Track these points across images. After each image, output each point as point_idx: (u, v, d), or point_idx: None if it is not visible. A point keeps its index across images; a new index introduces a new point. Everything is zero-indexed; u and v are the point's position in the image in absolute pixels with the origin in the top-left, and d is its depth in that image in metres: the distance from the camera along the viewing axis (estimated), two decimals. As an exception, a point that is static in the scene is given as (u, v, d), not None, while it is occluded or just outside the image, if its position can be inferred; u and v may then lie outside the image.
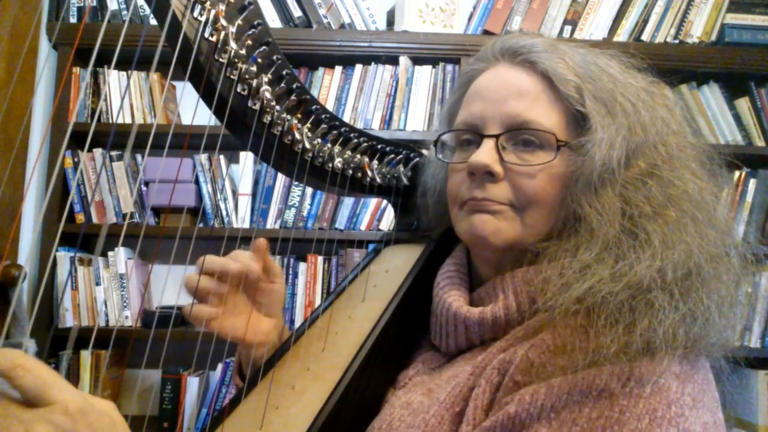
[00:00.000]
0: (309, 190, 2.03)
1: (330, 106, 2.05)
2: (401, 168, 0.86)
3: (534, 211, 0.63)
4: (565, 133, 0.63)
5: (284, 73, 0.68)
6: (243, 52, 0.63)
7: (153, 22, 0.60)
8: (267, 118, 0.67)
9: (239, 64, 0.63)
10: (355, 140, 0.79)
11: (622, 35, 2.09)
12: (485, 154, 0.63)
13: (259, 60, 0.65)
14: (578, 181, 0.60)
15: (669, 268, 0.53)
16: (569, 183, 0.62)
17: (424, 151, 0.90)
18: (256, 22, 0.64)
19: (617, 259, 0.55)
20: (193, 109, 2.13)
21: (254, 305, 0.78)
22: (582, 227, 0.59)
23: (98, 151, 2.06)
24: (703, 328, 0.53)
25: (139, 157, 2.06)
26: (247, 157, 2.02)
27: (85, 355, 1.93)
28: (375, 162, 0.83)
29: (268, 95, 0.66)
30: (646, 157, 0.60)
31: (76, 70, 2.05)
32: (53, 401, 0.41)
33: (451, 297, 0.67)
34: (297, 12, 2.02)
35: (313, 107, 0.73)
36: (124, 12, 2.04)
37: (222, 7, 0.61)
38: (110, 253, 1.98)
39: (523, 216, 0.63)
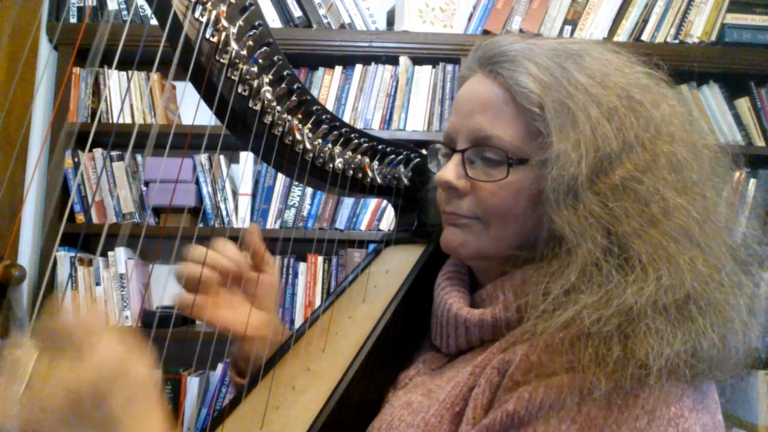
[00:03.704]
0: (309, 190, 2.03)
1: (330, 106, 2.05)
2: (402, 168, 0.86)
3: (499, 224, 0.63)
4: (529, 146, 0.60)
5: (285, 73, 0.68)
6: (244, 52, 0.63)
7: (153, 22, 0.60)
8: (268, 119, 0.67)
9: (240, 65, 0.63)
10: (356, 141, 0.79)
11: (622, 35, 2.09)
12: (449, 170, 0.64)
13: (260, 61, 0.65)
14: (547, 197, 0.58)
15: (661, 293, 0.50)
16: (539, 198, 0.59)
17: (425, 152, 0.90)
18: (257, 23, 0.64)
19: (601, 284, 0.52)
20: (193, 110, 2.13)
21: (246, 298, 0.78)
22: (562, 247, 0.56)
23: (98, 152, 2.06)
24: (706, 362, 0.50)
25: (139, 157, 2.06)
26: (247, 158, 2.02)
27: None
28: (375, 162, 0.83)
29: (268, 96, 0.66)
30: (623, 169, 0.56)
31: (77, 70, 2.05)
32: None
33: (452, 298, 0.67)
34: (297, 12, 2.02)
35: (314, 108, 0.73)
36: (125, 12, 2.04)
37: (223, 8, 0.61)
38: (110, 254, 1.98)
39: (490, 229, 0.63)
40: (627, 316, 0.50)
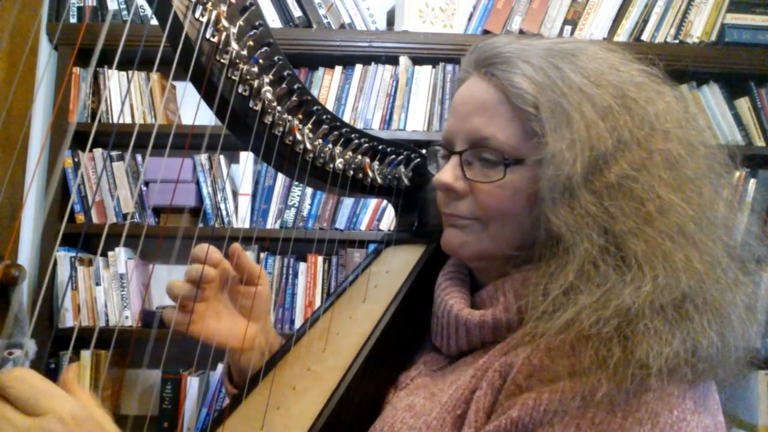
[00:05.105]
0: (309, 190, 2.02)
1: (330, 106, 2.05)
2: (402, 168, 0.86)
3: (498, 224, 0.63)
4: (525, 146, 0.60)
5: (285, 73, 0.68)
6: (244, 52, 0.63)
7: (153, 22, 0.60)
8: (268, 119, 0.67)
9: (240, 65, 0.63)
10: (356, 141, 0.79)
11: (622, 35, 2.09)
12: (447, 172, 0.65)
13: (261, 61, 0.65)
14: (543, 196, 0.58)
15: (657, 293, 0.51)
16: (536, 198, 0.60)
17: (425, 151, 0.90)
18: (257, 23, 0.64)
19: (599, 284, 0.53)
20: (193, 110, 2.13)
21: (237, 309, 0.78)
22: (560, 246, 0.57)
23: (98, 152, 2.06)
24: (706, 361, 0.51)
25: (139, 157, 2.06)
26: (247, 158, 2.02)
27: (86, 356, 1.93)
28: (376, 163, 0.83)
29: (269, 96, 0.66)
30: (618, 168, 0.56)
31: (77, 70, 2.05)
32: (47, 410, 0.42)
33: (452, 299, 0.67)
34: (297, 12, 2.02)
35: (314, 108, 0.73)
36: (125, 12, 2.04)
37: (223, 8, 0.61)
38: (110, 254, 1.98)
39: (489, 229, 0.64)
40: (625, 316, 0.51)
